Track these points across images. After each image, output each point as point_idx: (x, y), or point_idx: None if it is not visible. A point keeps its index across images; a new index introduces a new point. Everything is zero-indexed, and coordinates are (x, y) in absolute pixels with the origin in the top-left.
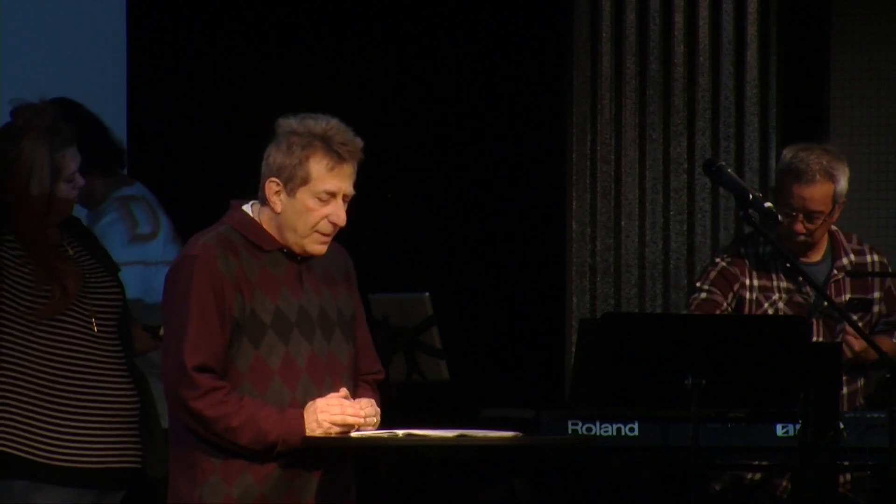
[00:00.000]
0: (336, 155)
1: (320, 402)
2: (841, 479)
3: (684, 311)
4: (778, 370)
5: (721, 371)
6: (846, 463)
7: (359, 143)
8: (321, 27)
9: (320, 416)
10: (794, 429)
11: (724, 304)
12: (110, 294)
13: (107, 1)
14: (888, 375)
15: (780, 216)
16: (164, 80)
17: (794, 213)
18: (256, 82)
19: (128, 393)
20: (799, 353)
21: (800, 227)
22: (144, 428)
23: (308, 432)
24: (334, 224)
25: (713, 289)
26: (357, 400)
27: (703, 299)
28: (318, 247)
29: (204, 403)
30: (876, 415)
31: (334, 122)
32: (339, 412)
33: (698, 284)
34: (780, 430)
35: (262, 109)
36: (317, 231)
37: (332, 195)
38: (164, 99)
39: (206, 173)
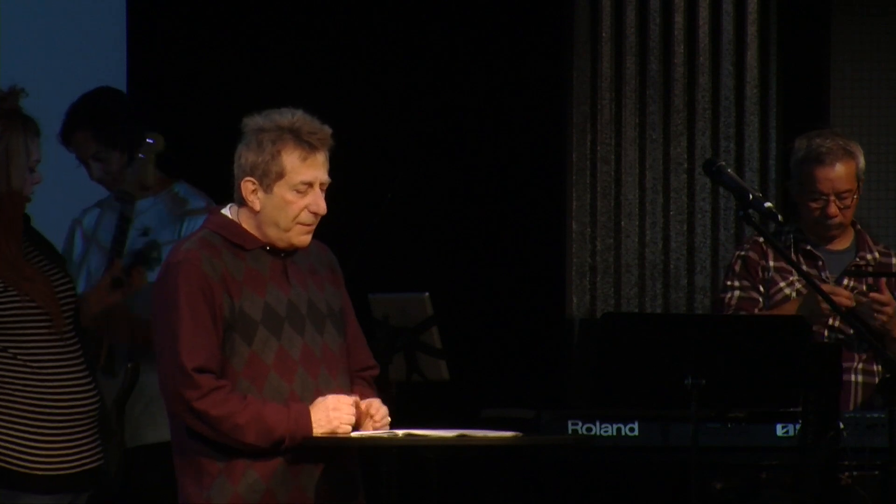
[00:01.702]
0: (307, 145)
1: (331, 400)
2: (845, 475)
3: (685, 311)
4: (778, 370)
5: (721, 371)
6: (847, 463)
7: (327, 130)
8: (321, 27)
9: (332, 414)
10: (794, 429)
11: (760, 299)
12: (65, 291)
13: (107, 1)
14: (888, 375)
15: (809, 204)
16: (164, 80)
17: (826, 197)
18: (256, 82)
19: (90, 391)
20: (799, 353)
21: (834, 209)
22: (101, 424)
23: (315, 427)
24: (315, 213)
25: (745, 283)
26: (370, 401)
27: (740, 297)
28: (302, 238)
29: (207, 403)
30: (876, 415)
31: (299, 113)
32: (349, 413)
33: (728, 282)
34: (780, 430)
35: (262, 109)
36: (299, 223)
37: (309, 185)
38: (164, 98)
39: (206, 173)
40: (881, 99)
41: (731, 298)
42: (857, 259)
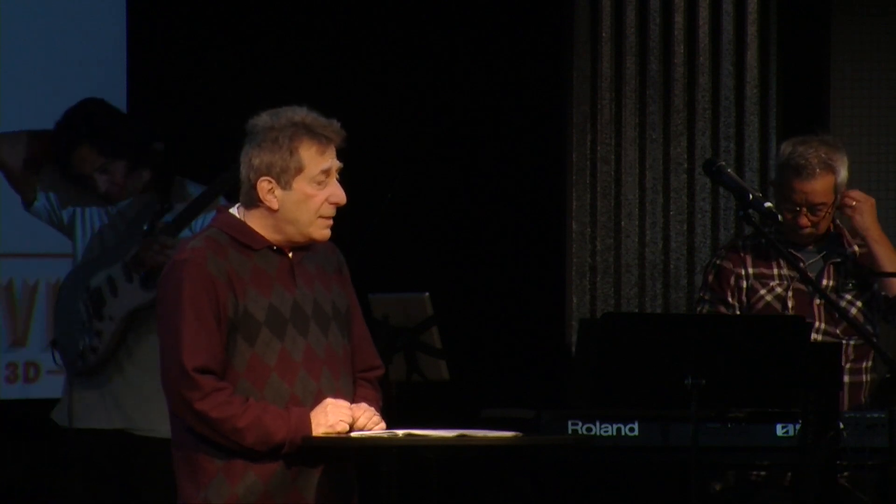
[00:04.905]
0: (323, 138)
1: (331, 406)
2: (841, 475)
3: (685, 311)
4: (778, 370)
5: (721, 371)
6: (846, 463)
7: (336, 123)
8: (321, 27)
9: (331, 419)
10: (794, 429)
11: (726, 310)
12: None
13: (107, 1)
14: (888, 375)
15: (783, 211)
16: (164, 81)
17: (798, 208)
18: (257, 82)
19: None
20: (799, 353)
21: (804, 220)
22: None
23: (315, 432)
24: (335, 204)
25: (714, 296)
26: (355, 406)
27: (708, 312)
28: (324, 231)
29: (209, 404)
30: (876, 415)
31: (305, 110)
32: (347, 413)
33: (701, 294)
34: (780, 430)
35: (263, 109)
36: (321, 216)
37: (327, 174)
38: (165, 99)
39: (207, 173)
40: (881, 99)
41: (700, 312)
42: (837, 257)
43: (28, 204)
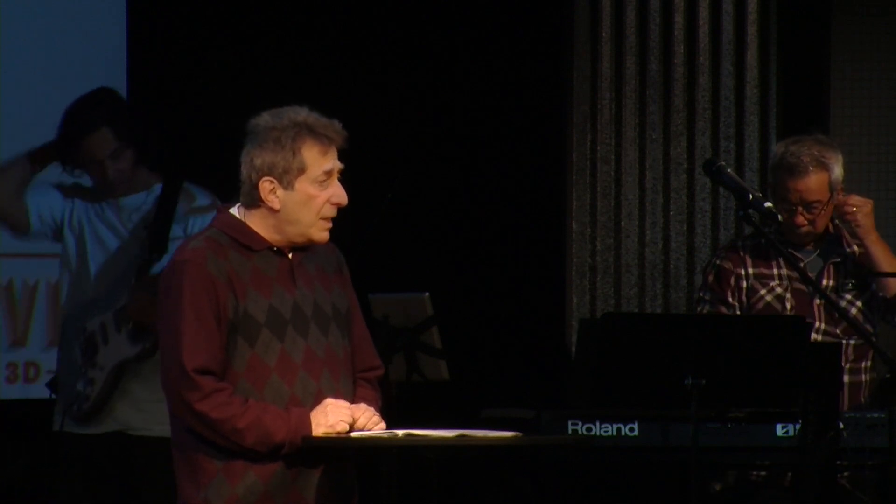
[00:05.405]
0: (325, 138)
1: (331, 406)
2: (841, 475)
3: (685, 311)
4: (778, 370)
5: (721, 371)
6: (846, 463)
7: (338, 124)
8: (321, 27)
9: (331, 419)
10: (794, 429)
11: (726, 311)
12: None
13: (107, 1)
14: (888, 375)
15: (780, 212)
16: (164, 80)
17: (794, 207)
18: (257, 82)
19: None
20: (799, 353)
21: (801, 219)
22: None
23: (315, 432)
24: (337, 204)
25: (714, 296)
26: (355, 406)
27: (708, 312)
28: (323, 234)
29: (208, 405)
30: (876, 415)
31: (306, 110)
32: (347, 413)
33: (701, 294)
34: (780, 430)
35: (263, 109)
36: (322, 217)
37: (329, 174)
38: (165, 99)
39: (207, 173)
40: (881, 99)
41: (700, 312)
42: (836, 257)
43: (25, 232)
